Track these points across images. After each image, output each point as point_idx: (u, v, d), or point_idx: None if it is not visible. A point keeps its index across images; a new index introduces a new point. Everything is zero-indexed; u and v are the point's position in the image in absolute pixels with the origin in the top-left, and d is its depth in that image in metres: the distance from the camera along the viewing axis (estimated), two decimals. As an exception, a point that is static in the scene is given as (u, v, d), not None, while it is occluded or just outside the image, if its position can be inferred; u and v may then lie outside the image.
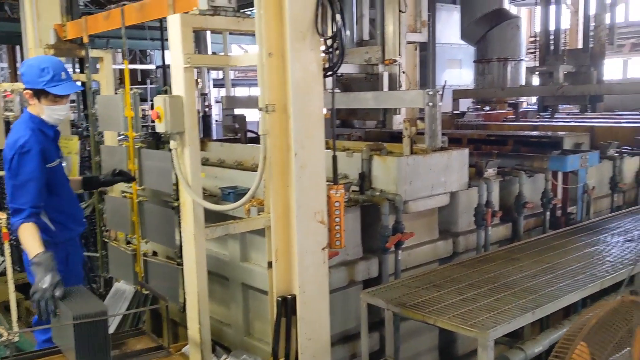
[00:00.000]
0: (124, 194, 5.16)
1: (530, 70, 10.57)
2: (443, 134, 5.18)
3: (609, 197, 6.72)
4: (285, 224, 3.35)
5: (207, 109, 13.05)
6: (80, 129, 8.06)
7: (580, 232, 5.30)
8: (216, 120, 13.57)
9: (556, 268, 4.26)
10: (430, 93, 4.69)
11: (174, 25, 3.34)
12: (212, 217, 3.89)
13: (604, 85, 9.42)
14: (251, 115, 6.96)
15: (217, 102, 18.64)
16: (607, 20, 9.82)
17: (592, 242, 4.94)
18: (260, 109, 3.21)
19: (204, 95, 12.95)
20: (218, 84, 17.49)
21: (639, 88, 8.98)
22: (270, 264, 3.46)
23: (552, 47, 10.41)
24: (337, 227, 3.39)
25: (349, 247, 4.40)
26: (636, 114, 9.88)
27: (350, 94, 5.93)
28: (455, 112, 10.40)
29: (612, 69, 17.27)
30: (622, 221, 5.70)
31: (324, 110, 3.41)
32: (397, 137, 6.69)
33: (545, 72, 9.87)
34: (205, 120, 12.76)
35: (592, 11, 10.16)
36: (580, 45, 11.10)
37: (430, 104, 4.67)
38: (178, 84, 3.40)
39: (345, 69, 6.38)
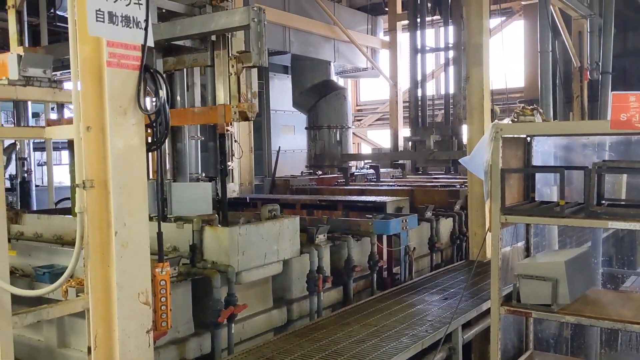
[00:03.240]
0: None
1: (407, 139, 12.47)
2: (276, 201, 5.23)
3: (429, 256, 7.26)
4: (106, 307, 3.12)
5: (26, 175, 11.98)
6: None
7: (404, 292, 5.63)
8: (37, 186, 12.48)
9: (382, 331, 4.45)
10: (255, 9, 4.68)
11: (-22, 95, 3.08)
12: (25, 299, 3.51)
13: (463, 152, 10.91)
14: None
15: (39, 165, 17.18)
16: (463, 100, 11.37)
17: (414, 302, 5.26)
18: (76, 186, 3.02)
19: (22, 160, 11.90)
20: (40, 146, 16.22)
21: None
22: (90, 350, 3.19)
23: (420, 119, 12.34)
24: (163, 307, 3.24)
25: (180, 324, 4.22)
26: (450, 176, 11.03)
27: (175, 21, 5.35)
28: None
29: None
30: (440, 279, 6.17)
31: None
32: (232, 203, 6.69)
33: (418, 140, 11.92)
34: (24, 187, 11.69)
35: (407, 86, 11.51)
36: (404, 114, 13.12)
37: (256, 19, 4.66)
38: (-20, 158, 3.09)
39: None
